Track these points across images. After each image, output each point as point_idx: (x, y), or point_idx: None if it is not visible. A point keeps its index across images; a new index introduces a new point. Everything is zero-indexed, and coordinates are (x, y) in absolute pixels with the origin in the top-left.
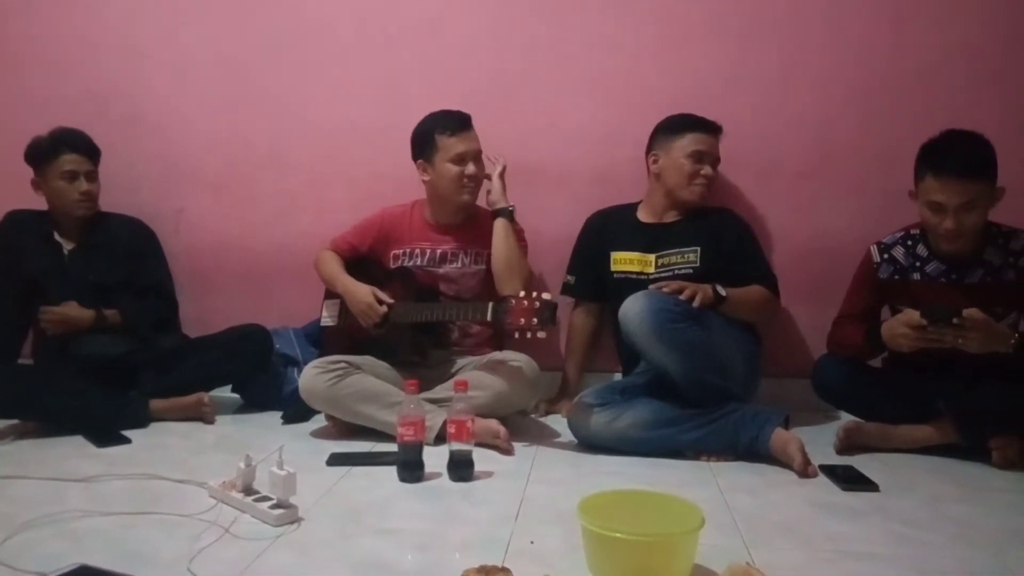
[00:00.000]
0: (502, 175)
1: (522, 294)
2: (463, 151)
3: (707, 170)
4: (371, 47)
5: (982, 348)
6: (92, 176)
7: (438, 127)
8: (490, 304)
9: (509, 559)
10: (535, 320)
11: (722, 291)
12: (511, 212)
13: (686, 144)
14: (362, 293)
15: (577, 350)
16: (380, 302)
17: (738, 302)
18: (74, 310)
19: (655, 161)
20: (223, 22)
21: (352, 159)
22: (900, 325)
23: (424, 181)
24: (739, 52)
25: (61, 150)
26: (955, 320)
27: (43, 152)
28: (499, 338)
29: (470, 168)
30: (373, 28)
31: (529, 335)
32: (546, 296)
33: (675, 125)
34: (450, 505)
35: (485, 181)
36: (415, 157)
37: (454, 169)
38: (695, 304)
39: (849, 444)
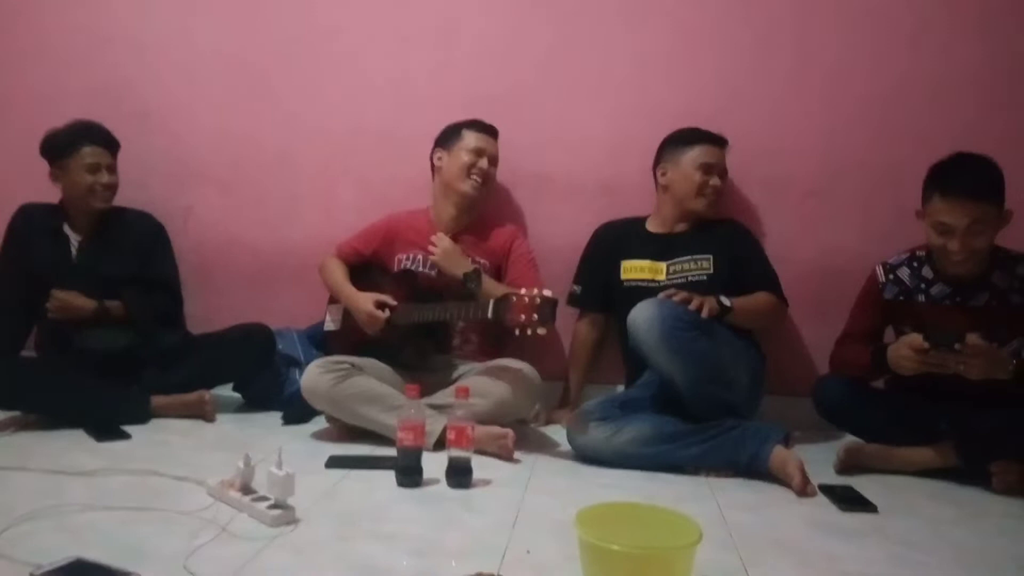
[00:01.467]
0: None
1: (523, 291)
2: (482, 146)
3: (715, 181)
4: (382, 50)
5: (982, 375)
6: (112, 169)
7: (468, 124)
8: (491, 301)
9: (505, 568)
10: (535, 316)
11: (727, 301)
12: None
13: (695, 156)
14: (363, 302)
15: (580, 360)
16: (383, 306)
17: (744, 311)
18: (77, 298)
19: (664, 174)
20: (234, 21)
21: (360, 162)
22: (904, 347)
23: (436, 168)
24: (749, 66)
25: (81, 143)
26: (956, 346)
27: (62, 145)
28: (500, 344)
29: (483, 162)
30: (385, 31)
31: (529, 332)
32: (547, 293)
33: (684, 138)
34: (447, 511)
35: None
36: (435, 146)
37: (467, 158)
38: (703, 315)
39: (849, 465)
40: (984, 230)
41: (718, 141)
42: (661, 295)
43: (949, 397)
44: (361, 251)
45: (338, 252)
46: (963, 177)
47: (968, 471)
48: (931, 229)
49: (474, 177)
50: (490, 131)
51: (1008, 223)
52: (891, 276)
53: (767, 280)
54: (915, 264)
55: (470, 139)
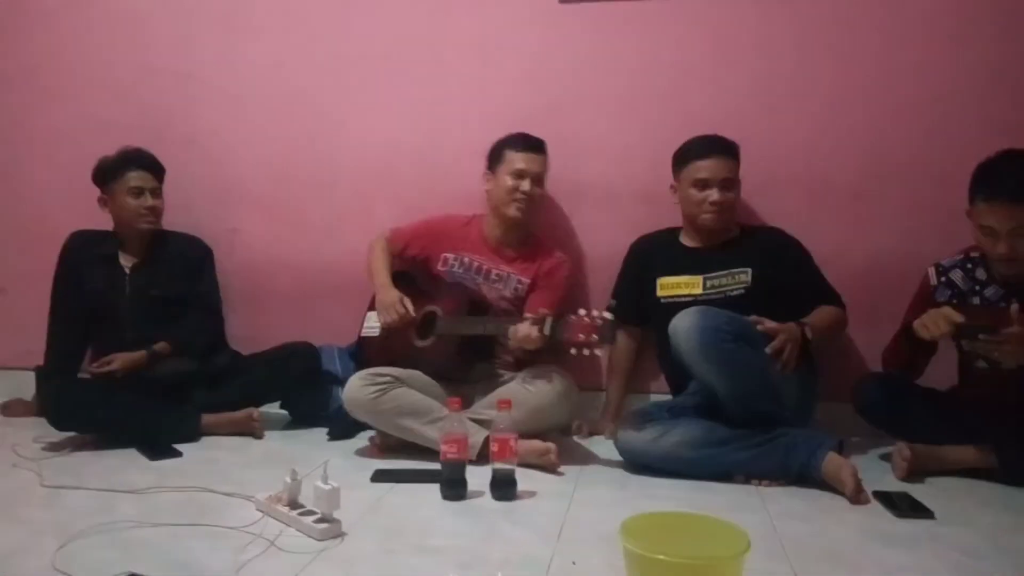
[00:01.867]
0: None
1: (582, 311)
2: (523, 167)
3: (714, 196)
4: (420, 69)
5: (1016, 360)
6: (157, 192)
7: (511, 143)
8: (548, 319)
9: None
10: (595, 337)
11: (808, 333)
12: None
13: (690, 173)
14: (392, 292)
15: (620, 372)
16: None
17: (820, 332)
18: (130, 356)
19: (674, 192)
20: (274, 46)
21: (398, 179)
22: (939, 313)
23: (486, 191)
24: (789, 71)
25: (128, 167)
26: (982, 336)
27: (110, 170)
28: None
29: (525, 185)
30: (420, 50)
31: (587, 352)
32: (607, 315)
33: (682, 154)
34: (492, 524)
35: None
36: (487, 166)
37: (510, 182)
38: (783, 357)
39: (913, 471)
40: None
41: (712, 151)
42: (753, 318)
43: (989, 402)
44: (408, 244)
45: (392, 235)
46: (1007, 180)
47: (1005, 474)
48: (977, 231)
49: (517, 202)
50: (534, 147)
51: None
52: (943, 279)
53: (825, 292)
54: (969, 266)
55: (512, 160)
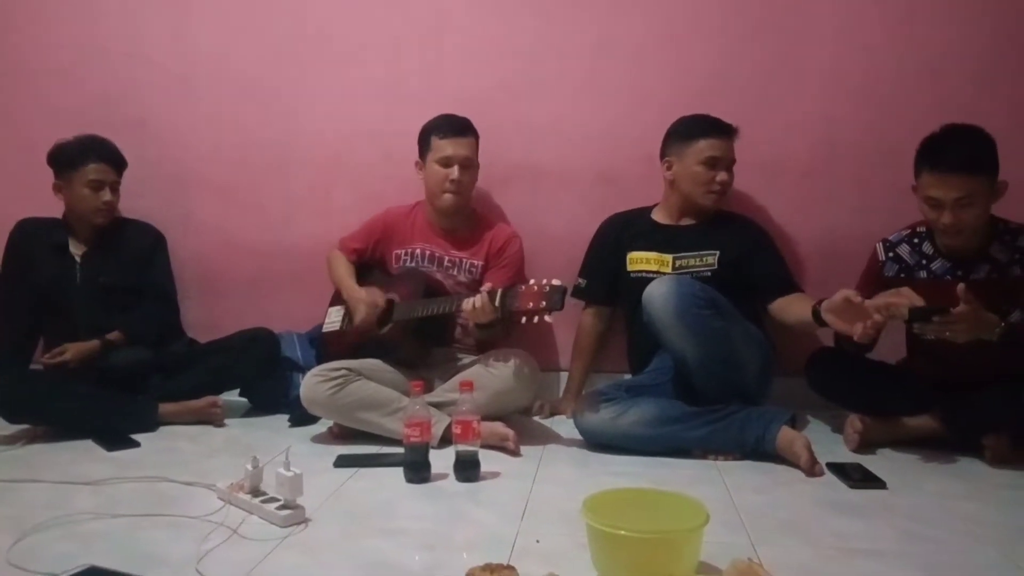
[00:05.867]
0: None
1: (532, 281)
2: (450, 154)
3: (722, 176)
4: (374, 52)
5: (969, 336)
6: (115, 187)
7: (435, 129)
8: (499, 291)
9: (515, 558)
10: (544, 303)
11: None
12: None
13: (699, 150)
14: (359, 291)
15: (584, 352)
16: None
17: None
18: (82, 345)
19: (669, 167)
20: (227, 27)
21: (355, 162)
22: (898, 293)
23: (421, 179)
24: (742, 50)
25: (89, 158)
26: (936, 318)
27: (70, 158)
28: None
29: (454, 172)
30: (376, 33)
31: (536, 319)
32: (556, 282)
33: (688, 130)
34: (456, 505)
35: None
36: (419, 155)
37: (440, 171)
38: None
39: (865, 442)
40: (974, 203)
41: (724, 131)
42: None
43: (938, 374)
44: (361, 250)
45: (341, 247)
46: (951, 151)
47: (957, 443)
48: (923, 203)
49: (448, 192)
50: (459, 130)
51: (1002, 195)
52: (891, 254)
53: (791, 283)
54: (915, 241)
55: (438, 147)
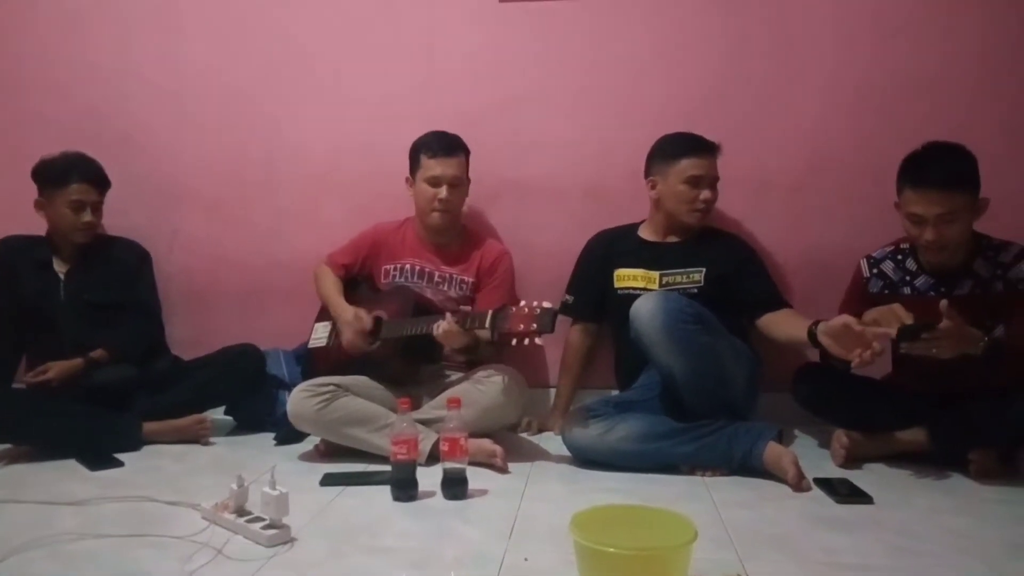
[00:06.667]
0: None
1: (522, 303)
2: (438, 174)
3: (706, 194)
4: (364, 67)
5: (954, 352)
6: (97, 207)
7: (424, 147)
8: (490, 312)
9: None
10: (535, 325)
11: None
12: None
13: (682, 170)
14: (348, 309)
15: (572, 368)
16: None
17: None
18: (66, 364)
19: (653, 187)
20: (215, 44)
21: (344, 178)
22: (889, 310)
23: (411, 195)
24: (730, 66)
25: (72, 178)
26: (924, 335)
27: (53, 176)
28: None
29: (442, 192)
30: (366, 49)
31: (527, 341)
32: (546, 304)
33: (670, 149)
34: (444, 523)
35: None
36: (409, 172)
37: (429, 190)
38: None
39: (852, 457)
40: (956, 219)
41: (707, 149)
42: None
43: (923, 389)
44: (349, 265)
45: (329, 262)
46: (932, 168)
47: (942, 457)
48: (906, 220)
49: (437, 211)
50: (447, 149)
51: (984, 211)
52: (875, 270)
53: (779, 300)
54: (899, 257)
55: (427, 167)
